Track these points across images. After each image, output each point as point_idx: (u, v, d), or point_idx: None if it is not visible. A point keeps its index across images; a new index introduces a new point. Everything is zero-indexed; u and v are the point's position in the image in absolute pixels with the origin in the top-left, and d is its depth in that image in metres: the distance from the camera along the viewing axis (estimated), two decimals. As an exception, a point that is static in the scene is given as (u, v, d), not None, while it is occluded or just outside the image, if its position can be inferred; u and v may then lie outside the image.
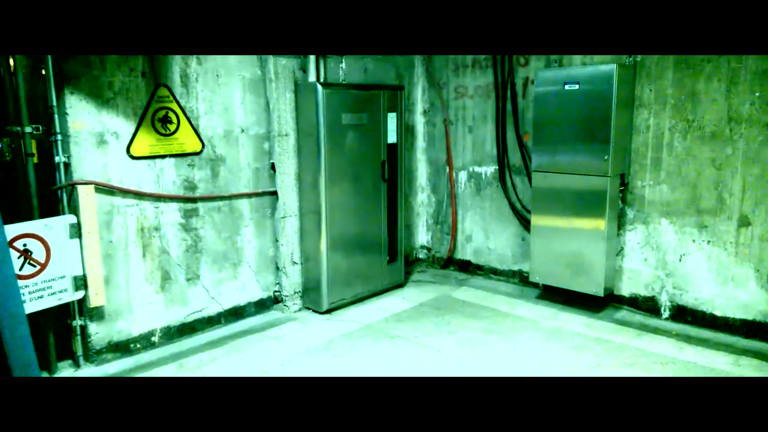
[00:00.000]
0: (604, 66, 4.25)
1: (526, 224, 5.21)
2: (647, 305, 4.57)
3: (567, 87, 4.42)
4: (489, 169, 5.53)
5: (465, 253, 5.90)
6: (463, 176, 5.77)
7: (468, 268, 5.87)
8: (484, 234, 5.68)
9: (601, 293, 4.50)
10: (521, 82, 5.15)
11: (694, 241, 4.26)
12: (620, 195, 4.54)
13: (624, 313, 4.63)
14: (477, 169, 5.63)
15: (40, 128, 3.53)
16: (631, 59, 4.39)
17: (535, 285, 5.11)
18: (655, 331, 4.26)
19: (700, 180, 4.17)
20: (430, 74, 5.89)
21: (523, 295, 5.12)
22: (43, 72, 3.56)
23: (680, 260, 4.35)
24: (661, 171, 4.36)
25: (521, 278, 5.40)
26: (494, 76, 5.32)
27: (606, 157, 4.29)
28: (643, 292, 4.58)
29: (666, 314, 4.47)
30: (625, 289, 4.68)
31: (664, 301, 4.47)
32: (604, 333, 4.24)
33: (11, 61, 3.52)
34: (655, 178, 4.39)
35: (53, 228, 3.54)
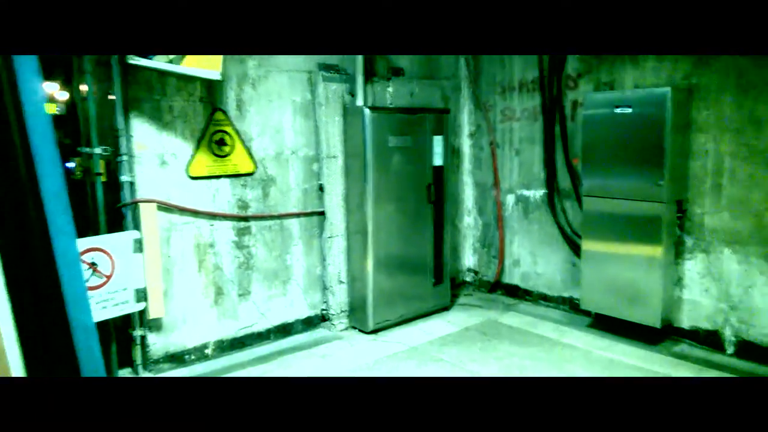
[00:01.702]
0: (658, 89, 4.17)
1: (576, 249, 5.11)
2: (709, 339, 4.33)
3: (618, 110, 4.35)
4: (537, 193, 5.47)
5: (512, 277, 5.82)
6: (510, 199, 5.73)
7: (516, 293, 5.79)
8: (532, 258, 5.60)
9: (657, 325, 4.32)
10: (570, 105, 5.10)
11: (761, 272, 4.04)
12: (678, 222, 4.39)
13: (683, 347, 4.40)
14: (524, 192, 5.58)
15: (108, 149, 3.77)
16: (686, 82, 4.29)
17: (586, 313, 4.96)
18: (719, 367, 4.00)
19: (766, 208, 3.97)
20: (476, 97, 5.92)
21: (573, 323, 4.98)
22: (111, 97, 3.81)
23: (746, 292, 4.12)
24: (722, 198, 4.18)
25: (571, 305, 5.27)
26: (542, 98, 5.29)
27: (660, 183, 4.18)
28: (705, 325, 4.35)
29: (730, 350, 4.22)
30: (685, 322, 4.47)
31: (728, 335, 4.23)
32: (662, 367, 4.02)
33: (83, 87, 3.79)
34: (716, 205, 4.22)
35: (118, 243, 3.75)
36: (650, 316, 4.34)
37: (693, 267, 4.38)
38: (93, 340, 1.19)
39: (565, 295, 5.34)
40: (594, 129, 4.55)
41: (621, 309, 4.51)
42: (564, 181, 5.21)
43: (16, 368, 1.08)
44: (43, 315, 1.12)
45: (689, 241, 4.38)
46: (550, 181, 5.30)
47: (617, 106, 4.36)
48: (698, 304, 4.37)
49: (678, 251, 4.43)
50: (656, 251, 4.27)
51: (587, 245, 4.71)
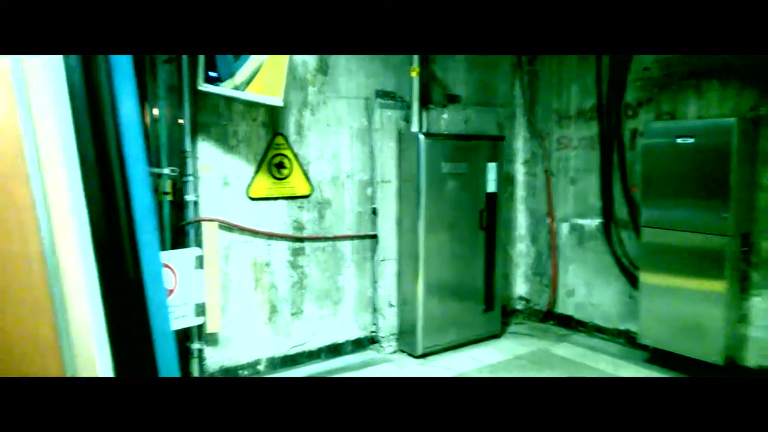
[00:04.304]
0: (724, 119, 4.06)
1: (633, 281, 4.96)
2: (777, 379, 4.12)
3: (680, 140, 4.25)
4: (593, 222, 5.37)
5: (566, 307, 5.69)
6: (564, 228, 5.64)
7: (569, 323, 5.65)
8: (587, 289, 5.47)
9: (720, 362, 4.13)
10: (629, 134, 5.01)
11: (834, 311, 3.81)
12: (743, 256, 4.21)
13: (747, 386, 4.19)
14: (579, 221, 5.49)
15: (176, 170, 3.99)
16: (753, 113, 4.15)
17: (644, 347, 4.78)
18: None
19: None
20: (531, 124, 5.91)
21: (629, 357, 4.81)
22: (180, 121, 4.05)
23: (816, 331, 3.90)
24: (792, 232, 4.00)
25: (628, 339, 5.10)
26: (600, 127, 5.23)
27: (725, 215, 4.03)
28: (773, 364, 4.14)
29: (798, 390, 3.99)
30: (751, 360, 4.23)
31: (799, 375, 4.01)
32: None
33: (155, 111, 4.04)
34: (784, 238, 4.03)
35: (181, 259, 3.94)
36: (712, 353, 4.15)
37: (760, 304, 4.18)
38: (170, 345, 1.28)
39: (621, 327, 5.18)
40: (654, 159, 4.46)
41: (681, 344, 4.34)
42: (621, 210, 5.10)
43: (106, 369, 1.18)
44: (130, 321, 1.22)
45: (756, 277, 4.19)
46: (607, 211, 5.20)
47: (679, 136, 4.26)
48: (766, 342, 4.15)
49: (743, 287, 4.24)
50: (719, 286, 4.11)
51: (645, 277, 4.57)
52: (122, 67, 1.22)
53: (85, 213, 1.18)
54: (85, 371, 1.27)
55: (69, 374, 1.26)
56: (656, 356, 4.68)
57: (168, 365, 1.27)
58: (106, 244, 1.19)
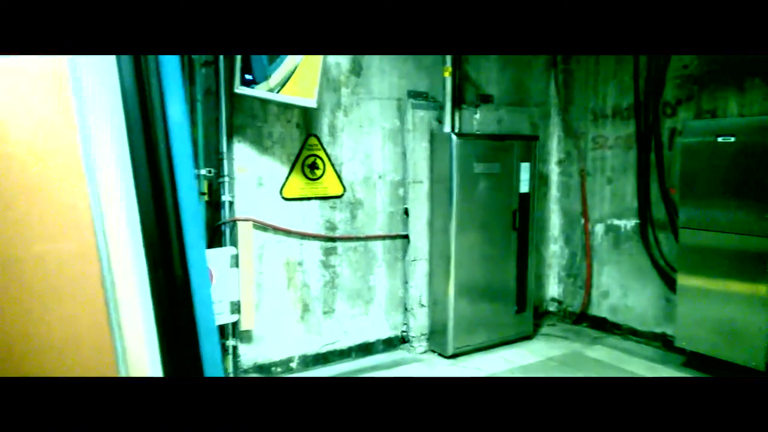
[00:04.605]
0: (766, 117, 3.94)
1: (670, 283, 4.85)
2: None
3: (720, 139, 4.14)
4: (629, 223, 5.27)
5: (600, 309, 5.60)
6: (599, 229, 5.55)
7: (603, 325, 5.56)
8: (622, 291, 5.37)
9: (761, 367, 4.00)
10: (667, 133, 4.90)
11: None
12: (785, 257, 4.08)
13: (790, 392, 4.06)
14: (615, 222, 5.39)
15: (212, 171, 4.08)
16: (798, 109, 4.02)
17: (680, 351, 4.67)
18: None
19: None
20: (566, 124, 5.83)
21: (665, 361, 4.72)
22: (217, 123, 4.13)
23: None
24: (839, 233, 3.86)
25: (664, 342, 4.99)
26: (636, 126, 5.13)
27: (767, 216, 3.91)
28: (817, 371, 4.00)
29: None
30: (793, 365, 4.13)
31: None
32: None
33: (193, 114, 4.14)
34: (831, 240, 3.89)
35: (217, 257, 4.03)
36: (753, 358, 4.04)
37: (806, 308, 4.04)
38: (214, 340, 1.33)
39: (657, 330, 5.07)
40: (693, 158, 4.35)
41: (719, 349, 4.23)
42: (658, 211, 4.99)
43: (155, 361, 1.23)
44: (178, 317, 1.27)
45: (801, 280, 4.05)
46: (644, 212, 5.10)
47: (720, 135, 4.15)
48: (811, 348, 4.01)
49: (788, 290, 4.10)
50: (761, 289, 3.98)
51: (683, 279, 4.47)
52: (171, 69, 1.26)
53: (136, 212, 1.22)
54: (135, 364, 1.32)
55: (120, 365, 1.31)
56: (693, 360, 4.57)
57: (212, 359, 1.31)
58: (156, 243, 1.24)
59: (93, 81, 1.23)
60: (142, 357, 1.23)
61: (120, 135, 1.21)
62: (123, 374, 1.30)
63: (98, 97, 1.22)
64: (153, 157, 1.23)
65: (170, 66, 1.25)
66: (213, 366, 1.31)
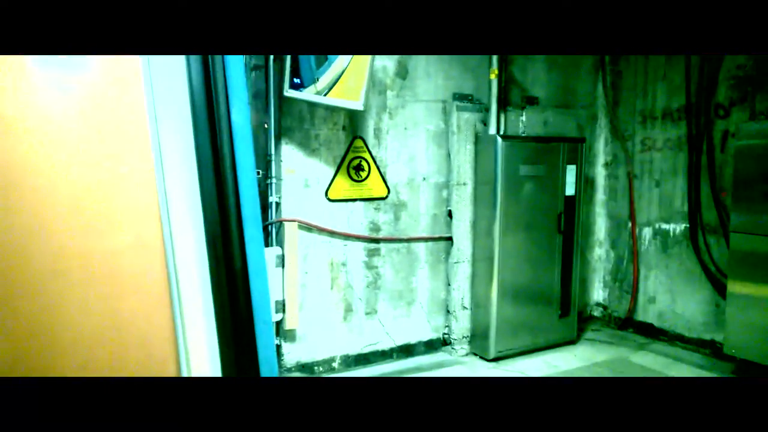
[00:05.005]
0: (827, 118, 3.78)
1: (720, 289, 4.70)
2: None
3: (777, 141, 4.00)
4: (678, 227, 5.13)
5: (647, 315, 5.47)
6: (647, 233, 5.43)
7: (649, 331, 5.43)
8: (670, 296, 5.23)
9: (818, 378, 3.86)
10: (719, 135, 4.76)
11: None
12: None
13: None
14: (663, 226, 5.26)
15: (261, 172, 4.21)
16: None
17: (730, 358, 4.53)
18: None
19: None
20: (613, 126, 5.72)
21: (714, 369, 4.57)
22: (266, 126, 4.26)
23: None
24: None
25: (713, 349, 4.83)
26: (687, 128, 4.99)
27: (828, 220, 3.76)
28: None
29: None
30: None
31: None
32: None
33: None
34: None
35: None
36: (811, 370, 3.87)
37: None
38: (270, 332, 1.40)
39: (706, 337, 4.91)
40: (748, 161, 4.21)
41: (773, 358, 4.07)
42: (709, 215, 4.84)
43: (214, 360, 1.31)
44: (236, 309, 1.34)
45: None
46: (693, 215, 4.95)
47: (776, 137, 4.00)
48: None
49: None
50: (822, 298, 3.82)
51: (734, 286, 4.32)
52: (236, 72, 1.34)
53: (200, 208, 1.31)
54: (195, 352, 1.40)
55: (182, 356, 1.39)
56: (742, 368, 4.42)
57: (267, 349, 1.38)
58: (218, 237, 1.32)
59: (163, 82, 1.32)
60: (200, 341, 1.31)
61: (187, 135, 1.30)
62: (184, 358, 1.38)
63: (168, 97, 1.31)
64: (217, 157, 1.31)
65: (235, 69, 1.33)
66: (267, 354, 1.38)
